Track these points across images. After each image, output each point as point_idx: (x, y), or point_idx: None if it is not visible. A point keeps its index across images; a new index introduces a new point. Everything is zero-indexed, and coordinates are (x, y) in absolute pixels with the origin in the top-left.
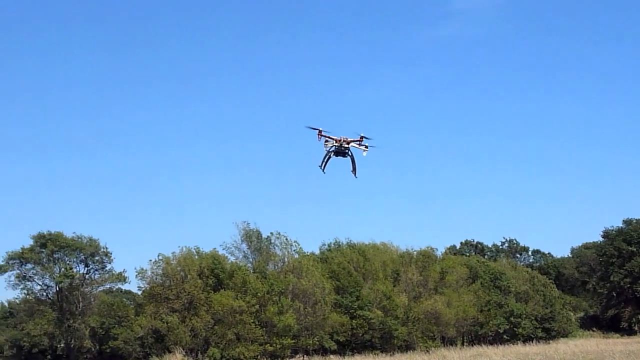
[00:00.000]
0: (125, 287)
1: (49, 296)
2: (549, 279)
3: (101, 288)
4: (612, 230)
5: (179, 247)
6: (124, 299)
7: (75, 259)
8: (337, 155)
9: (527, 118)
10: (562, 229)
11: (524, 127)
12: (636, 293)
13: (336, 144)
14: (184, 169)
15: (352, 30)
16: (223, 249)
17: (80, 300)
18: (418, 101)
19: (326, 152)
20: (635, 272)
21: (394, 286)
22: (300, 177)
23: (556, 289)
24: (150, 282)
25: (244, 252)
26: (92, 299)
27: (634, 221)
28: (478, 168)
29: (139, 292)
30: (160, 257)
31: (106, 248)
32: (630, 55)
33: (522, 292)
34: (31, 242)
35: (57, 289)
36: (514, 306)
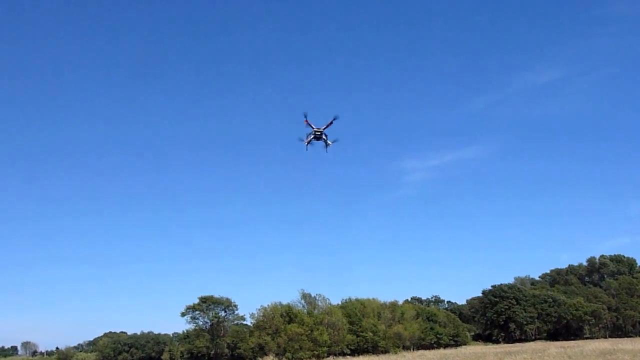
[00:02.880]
0: (244, 322)
1: (207, 327)
2: (455, 315)
3: (232, 323)
4: (487, 290)
5: (271, 302)
6: (244, 328)
7: (219, 308)
8: (316, 140)
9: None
10: (461, 288)
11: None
12: (500, 321)
13: (316, 132)
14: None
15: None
16: (292, 302)
17: (222, 329)
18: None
19: (307, 135)
20: (499, 311)
21: (378, 320)
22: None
23: (459, 320)
24: (257, 320)
25: (302, 304)
26: (228, 328)
27: (497, 285)
28: (419, 255)
29: (251, 324)
30: (261, 307)
31: (235, 303)
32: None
33: (442, 321)
34: (197, 300)
35: (210, 324)
36: (439, 329)
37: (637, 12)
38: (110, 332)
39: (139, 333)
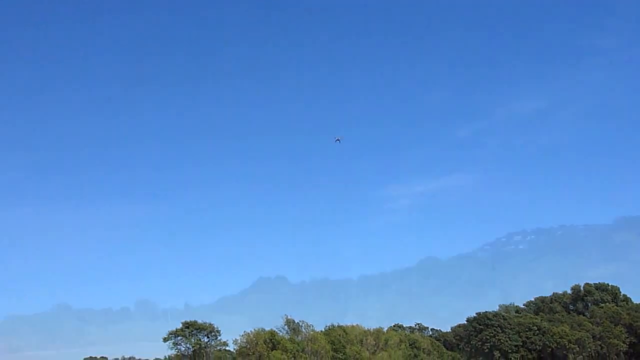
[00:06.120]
0: (227, 348)
1: (189, 353)
2: (440, 343)
3: (215, 349)
4: (471, 317)
5: (254, 328)
6: (227, 354)
7: (202, 334)
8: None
9: None
10: (445, 315)
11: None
12: (485, 349)
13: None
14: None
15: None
16: (276, 329)
17: (204, 355)
18: None
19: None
20: (483, 339)
21: (361, 346)
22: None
23: (444, 348)
24: (240, 346)
25: (286, 330)
26: (210, 355)
27: (482, 313)
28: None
29: (234, 350)
30: (244, 332)
31: (218, 328)
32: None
33: (427, 349)
34: (180, 325)
35: (193, 350)
36: (423, 357)
37: (619, 45)
38: (91, 358)
39: (120, 358)
